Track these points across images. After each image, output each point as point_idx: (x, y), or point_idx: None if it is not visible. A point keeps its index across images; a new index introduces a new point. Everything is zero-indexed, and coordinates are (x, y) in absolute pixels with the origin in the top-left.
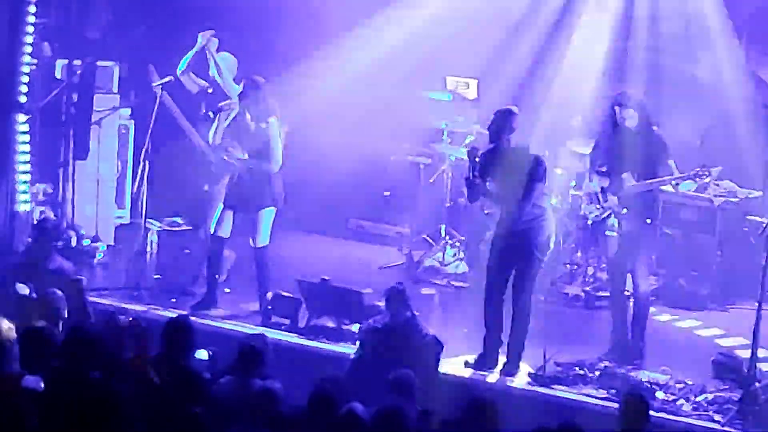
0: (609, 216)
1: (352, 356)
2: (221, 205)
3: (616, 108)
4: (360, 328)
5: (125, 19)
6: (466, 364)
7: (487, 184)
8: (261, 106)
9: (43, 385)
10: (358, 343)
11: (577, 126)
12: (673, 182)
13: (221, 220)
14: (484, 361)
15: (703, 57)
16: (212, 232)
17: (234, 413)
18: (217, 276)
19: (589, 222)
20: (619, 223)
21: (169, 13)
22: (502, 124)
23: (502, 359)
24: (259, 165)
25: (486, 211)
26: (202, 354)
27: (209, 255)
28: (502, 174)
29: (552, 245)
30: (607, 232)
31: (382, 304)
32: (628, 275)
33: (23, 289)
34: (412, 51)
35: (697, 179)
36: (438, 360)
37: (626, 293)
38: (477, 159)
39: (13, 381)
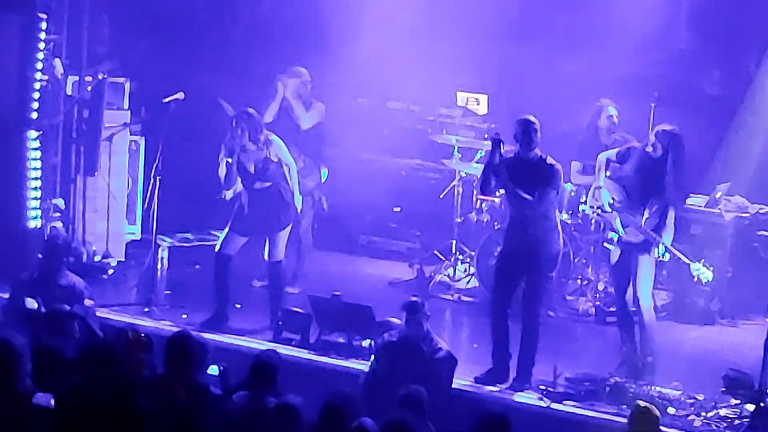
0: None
1: (366, 371)
2: (228, 229)
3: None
4: (376, 342)
5: (136, 36)
6: (476, 380)
7: (500, 190)
8: (257, 133)
9: (54, 401)
10: (372, 357)
11: (586, 141)
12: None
13: (229, 240)
14: (494, 376)
15: (713, 72)
16: (218, 250)
17: (248, 429)
18: (225, 292)
19: (605, 244)
20: (621, 238)
21: (178, 28)
22: (521, 132)
23: (511, 373)
24: (283, 179)
25: (496, 226)
26: (213, 369)
27: (215, 272)
28: (520, 182)
29: (560, 260)
30: (607, 245)
31: (393, 319)
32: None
33: (32, 303)
34: (421, 66)
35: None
36: (451, 375)
37: (633, 309)
38: (501, 145)
39: (24, 398)
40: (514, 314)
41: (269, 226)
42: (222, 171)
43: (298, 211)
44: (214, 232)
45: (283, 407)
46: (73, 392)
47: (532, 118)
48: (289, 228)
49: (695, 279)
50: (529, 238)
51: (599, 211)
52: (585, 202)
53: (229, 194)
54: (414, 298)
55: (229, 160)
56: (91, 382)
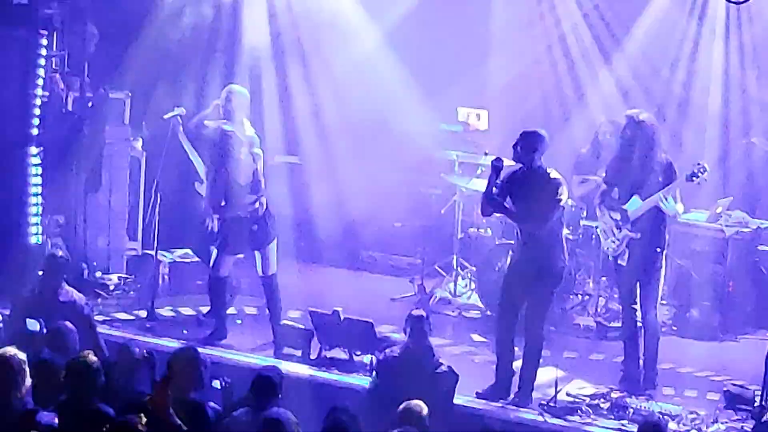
0: (627, 246)
1: (367, 386)
2: (216, 251)
3: (624, 130)
4: (377, 357)
5: (136, 51)
6: (478, 395)
7: (505, 203)
8: (239, 150)
9: (57, 420)
10: (374, 372)
11: (587, 155)
12: (673, 191)
13: (220, 262)
14: (496, 391)
15: (713, 87)
16: (211, 273)
17: None
18: (223, 309)
19: (610, 258)
20: (628, 253)
21: (178, 44)
22: (526, 145)
23: (513, 389)
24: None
25: (497, 242)
26: (215, 384)
27: (211, 293)
28: (524, 195)
29: (564, 276)
30: (619, 261)
31: (394, 335)
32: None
33: (33, 325)
34: (422, 81)
35: (694, 179)
36: (453, 391)
37: (638, 324)
38: (501, 171)
39: (28, 417)
40: (518, 330)
41: (259, 241)
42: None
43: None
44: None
45: (269, 422)
46: (65, 409)
47: (539, 131)
48: (274, 242)
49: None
50: (534, 254)
51: (615, 237)
52: (586, 217)
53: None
54: (418, 311)
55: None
56: (83, 399)
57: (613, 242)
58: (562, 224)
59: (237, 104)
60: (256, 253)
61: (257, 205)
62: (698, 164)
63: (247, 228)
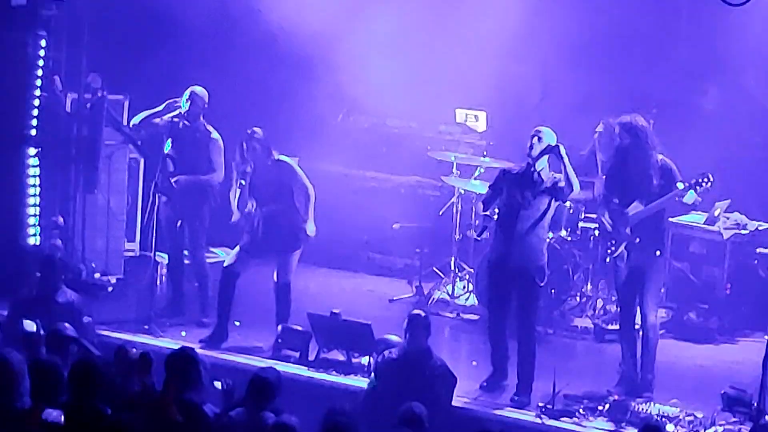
0: (627, 248)
1: (365, 388)
2: (238, 248)
3: (618, 137)
4: (376, 359)
5: (135, 53)
6: (482, 387)
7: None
8: (267, 155)
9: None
10: (372, 374)
11: (586, 157)
12: (677, 198)
13: (239, 258)
14: (496, 378)
15: (711, 88)
16: (226, 265)
17: None
18: (227, 308)
19: (608, 260)
20: (628, 255)
21: (179, 44)
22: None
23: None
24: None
25: None
26: (216, 385)
27: (221, 288)
28: (518, 191)
29: (548, 272)
30: (618, 263)
31: (392, 337)
32: (638, 307)
33: (30, 326)
34: (420, 83)
35: (698, 188)
36: (452, 393)
37: (636, 326)
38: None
39: (31, 416)
40: (511, 330)
41: (280, 248)
42: (235, 193)
43: (311, 235)
44: (213, 250)
45: (280, 427)
46: (68, 410)
47: (540, 129)
48: (299, 250)
49: None
50: (516, 249)
51: (614, 240)
52: (586, 219)
53: (235, 216)
54: (418, 311)
55: (243, 182)
56: (79, 401)
57: (613, 244)
58: (548, 224)
59: (199, 106)
60: (277, 258)
61: (282, 212)
62: (703, 174)
63: (270, 233)
